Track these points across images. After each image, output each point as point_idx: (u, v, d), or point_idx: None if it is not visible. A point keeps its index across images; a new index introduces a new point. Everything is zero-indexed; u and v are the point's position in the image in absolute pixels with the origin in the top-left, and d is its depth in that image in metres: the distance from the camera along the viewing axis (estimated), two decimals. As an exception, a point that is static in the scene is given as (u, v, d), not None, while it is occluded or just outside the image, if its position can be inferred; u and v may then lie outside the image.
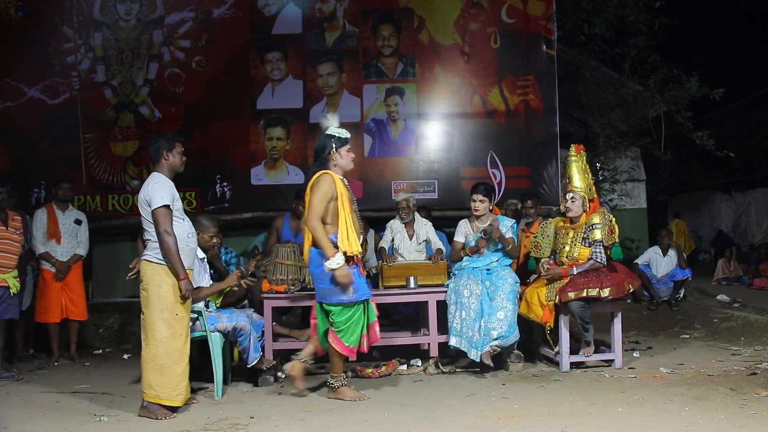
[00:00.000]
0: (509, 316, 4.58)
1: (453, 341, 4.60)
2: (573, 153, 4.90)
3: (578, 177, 4.82)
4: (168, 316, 3.72)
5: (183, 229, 3.84)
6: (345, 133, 4.02)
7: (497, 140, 7.32)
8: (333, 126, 4.02)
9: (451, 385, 4.34)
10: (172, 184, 3.84)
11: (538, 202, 6.38)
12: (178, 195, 3.85)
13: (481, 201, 4.85)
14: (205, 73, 7.35)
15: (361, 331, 4.01)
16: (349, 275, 3.83)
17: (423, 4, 7.39)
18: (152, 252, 3.75)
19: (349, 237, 3.85)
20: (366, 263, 5.44)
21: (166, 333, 3.70)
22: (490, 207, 4.93)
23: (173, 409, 3.75)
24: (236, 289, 4.67)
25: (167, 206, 3.71)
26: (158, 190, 3.71)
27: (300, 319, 5.96)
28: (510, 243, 4.81)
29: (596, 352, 4.78)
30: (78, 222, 5.84)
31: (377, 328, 4.13)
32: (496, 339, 4.53)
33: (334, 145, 3.96)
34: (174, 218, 3.76)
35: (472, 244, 4.88)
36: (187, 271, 3.78)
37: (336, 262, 3.76)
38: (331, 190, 3.87)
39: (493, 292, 4.64)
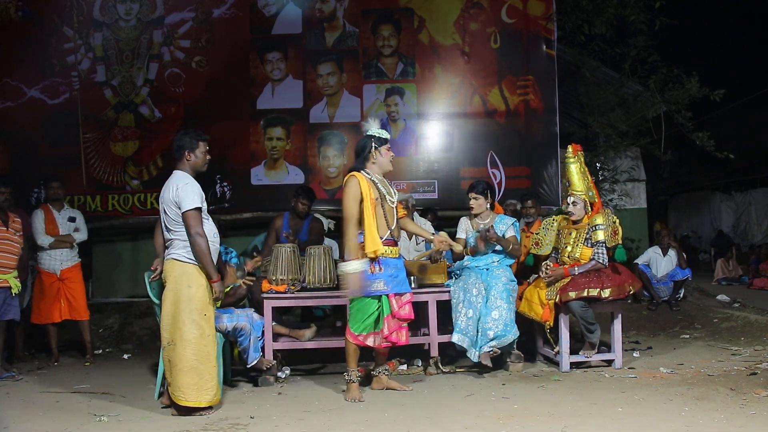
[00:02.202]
0: (504, 314, 4.57)
1: (456, 338, 4.58)
2: (570, 154, 4.82)
3: (578, 179, 4.78)
4: (197, 316, 3.71)
5: (209, 228, 3.84)
6: (385, 134, 4.15)
7: (497, 140, 7.32)
8: (373, 128, 4.15)
9: (451, 385, 4.34)
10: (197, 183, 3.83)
11: (538, 202, 6.37)
12: (203, 195, 3.84)
13: (475, 198, 4.84)
14: (205, 73, 7.35)
15: (374, 324, 4.01)
16: (357, 283, 3.88)
17: (423, 4, 7.39)
18: (181, 251, 3.73)
19: (372, 238, 3.92)
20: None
21: (195, 333, 3.69)
22: (489, 205, 4.91)
23: (205, 407, 3.73)
24: (238, 287, 4.66)
25: (199, 209, 3.72)
26: (189, 192, 3.71)
27: (300, 319, 5.96)
28: (510, 243, 4.78)
29: (596, 352, 4.77)
30: (72, 219, 5.85)
31: (397, 332, 4.04)
32: (492, 339, 4.52)
33: (374, 145, 4.08)
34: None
35: (472, 242, 4.88)
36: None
37: (350, 267, 3.87)
38: (357, 192, 3.96)
39: (488, 290, 4.65)
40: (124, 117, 7.35)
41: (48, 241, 5.64)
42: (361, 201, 3.95)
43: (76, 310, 5.73)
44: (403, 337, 4.08)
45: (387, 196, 4.07)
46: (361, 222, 3.97)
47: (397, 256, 4.10)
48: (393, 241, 4.07)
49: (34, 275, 5.85)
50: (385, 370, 4.27)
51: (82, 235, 5.88)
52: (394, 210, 4.14)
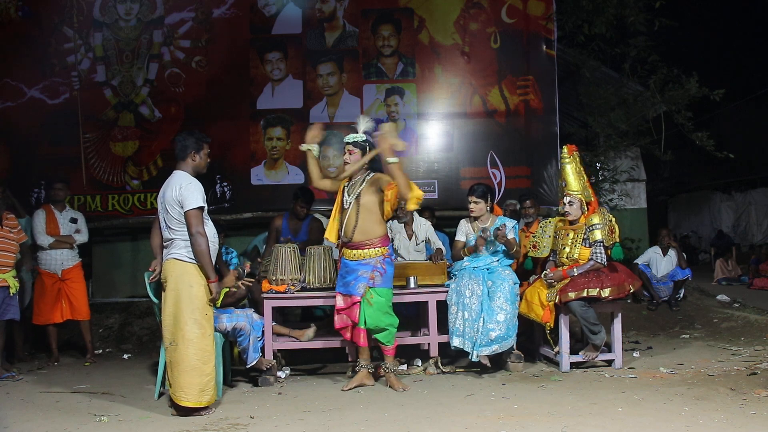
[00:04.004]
0: (509, 318, 4.57)
1: (456, 342, 4.59)
2: (566, 155, 4.84)
3: (573, 179, 4.79)
4: (199, 315, 3.71)
5: (209, 230, 3.84)
6: (344, 139, 4.35)
7: (497, 140, 7.32)
8: (355, 130, 4.37)
9: (451, 385, 4.34)
10: None
11: (537, 202, 6.37)
12: (205, 196, 3.85)
13: (475, 202, 4.83)
14: (205, 73, 7.35)
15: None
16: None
17: (423, 4, 7.39)
18: (182, 251, 3.73)
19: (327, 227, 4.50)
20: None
21: (197, 333, 3.69)
22: (489, 207, 4.91)
23: (204, 407, 3.74)
24: (235, 290, 4.67)
25: (202, 208, 3.73)
26: (193, 191, 3.72)
27: (300, 319, 5.96)
28: (514, 245, 4.78)
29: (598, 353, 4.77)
30: (74, 221, 5.85)
31: (343, 330, 4.39)
32: (494, 341, 4.52)
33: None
34: None
35: (472, 243, 4.87)
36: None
37: None
38: (337, 185, 4.44)
39: (494, 292, 4.63)
40: (124, 117, 7.35)
41: (48, 241, 5.64)
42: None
43: (77, 311, 5.72)
44: (354, 338, 4.31)
45: (345, 200, 4.29)
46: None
47: (352, 258, 4.25)
48: (350, 244, 4.25)
49: (34, 276, 5.85)
50: (386, 366, 4.33)
51: (82, 237, 5.88)
52: (349, 213, 4.24)
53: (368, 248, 4.22)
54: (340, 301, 4.33)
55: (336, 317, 4.38)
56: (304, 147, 4.32)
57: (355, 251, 4.24)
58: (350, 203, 4.25)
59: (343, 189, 4.37)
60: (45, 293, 5.67)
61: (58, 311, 5.68)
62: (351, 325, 4.31)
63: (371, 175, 4.28)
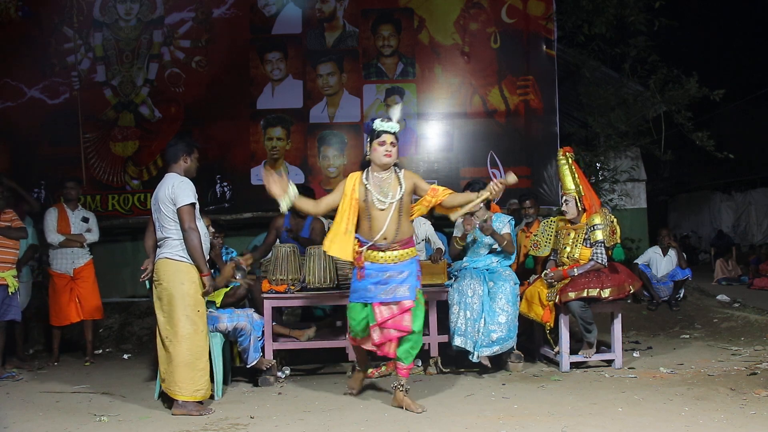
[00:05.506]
0: (510, 319, 4.58)
1: (458, 341, 4.58)
2: (560, 157, 4.93)
3: (568, 179, 4.86)
4: (191, 312, 3.78)
5: (200, 229, 3.87)
6: (381, 125, 3.75)
7: (497, 140, 7.32)
8: (388, 118, 3.81)
9: (451, 385, 4.34)
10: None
11: (538, 202, 6.37)
12: (196, 195, 3.89)
13: None
14: (205, 73, 7.35)
15: (362, 331, 3.83)
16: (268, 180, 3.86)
17: (423, 4, 7.39)
18: (173, 250, 3.79)
19: (333, 237, 3.79)
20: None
21: (189, 329, 3.76)
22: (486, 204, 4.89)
23: (200, 401, 3.78)
24: (238, 287, 4.66)
25: (194, 204, 3.79)
26: (184, 188, 3.79)
27: (300, 319, 5.96)
28: (505, 239, 4.72)
29: (596, 351, 4.78)
30: (85, 220, 5.84)
31: (384, 344, 3.78)
32: (495, 342, 4.52)
33: (369, 138, 3.80)
34: None
35: (469, 239, 4.87)
36: None
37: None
38: (340, 188, 3.83)
39: (495, 293, 4.63)
40: (124, 117, 7.35)
41: (58, 239, 5.62)
42: (344, 198, 3.78)
43: (88, 310, 5.70)
44: (391, 350, 3.77)
45: (377, 200, 3.72)
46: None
47: (389, 261, 3.73)
48: (391, 246, 3.74)
49: (35, 274, 5.84)
50: (400, 385, 3.77)
51: (93, 236, 5.86)
52: (391, 214, 3.71)
53: (406, 248, 3.80)
54: (384, 312, 3.71)
55: (376, 332, 3.74)
56: (285, 206, 3.78)
57: (394, 253, 3.75)
58: (388, 203, 3.72)
59: (365, 190, 3.76)
60: (58, 295, 5.65)
61: (74, 310, 5.67)
62: (395, 338, 3.74)
63: (402, 171, 3.84)
